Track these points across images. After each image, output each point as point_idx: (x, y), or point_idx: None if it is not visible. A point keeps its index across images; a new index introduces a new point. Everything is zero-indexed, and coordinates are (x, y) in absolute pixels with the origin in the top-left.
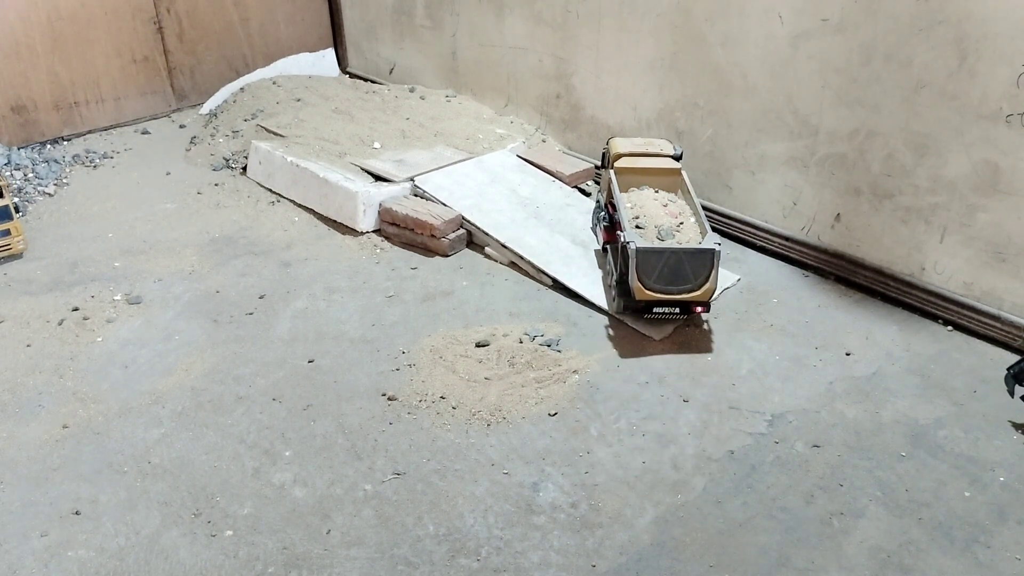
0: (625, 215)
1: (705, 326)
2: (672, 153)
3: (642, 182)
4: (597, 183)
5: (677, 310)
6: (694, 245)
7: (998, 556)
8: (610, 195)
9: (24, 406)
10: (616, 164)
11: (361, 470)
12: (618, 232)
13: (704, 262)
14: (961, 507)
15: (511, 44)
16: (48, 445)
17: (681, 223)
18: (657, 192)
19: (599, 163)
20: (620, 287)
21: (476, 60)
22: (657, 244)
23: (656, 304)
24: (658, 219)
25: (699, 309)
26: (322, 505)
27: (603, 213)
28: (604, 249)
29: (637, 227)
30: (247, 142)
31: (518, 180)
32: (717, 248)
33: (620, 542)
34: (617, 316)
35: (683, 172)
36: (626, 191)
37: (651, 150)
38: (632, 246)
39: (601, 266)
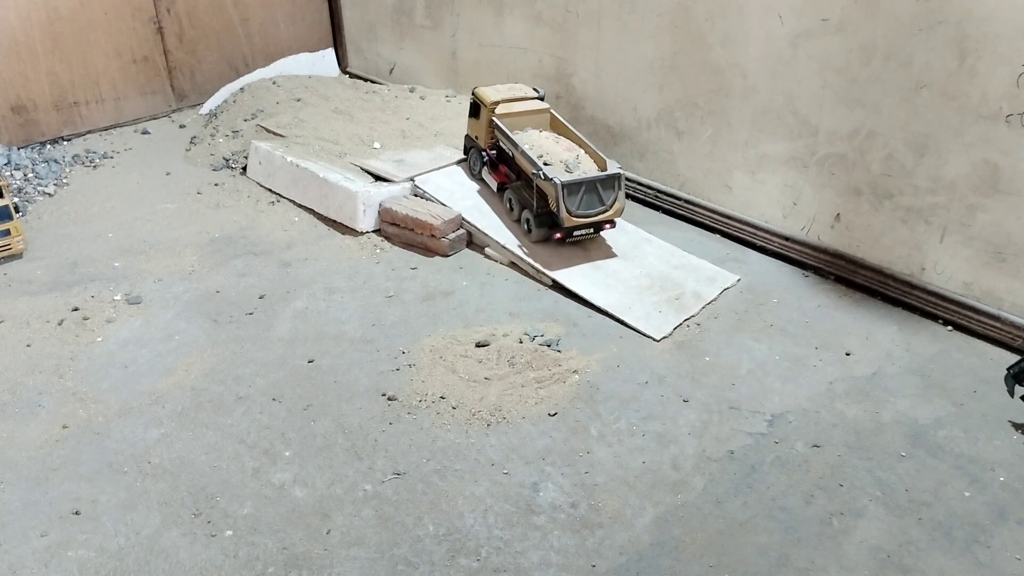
0: (532, 155)
1: (705, 326)
2: (537, 95)
3: (524, 124)
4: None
5: (592, 230)
6: (604, 173)
7: (998, 556)
8: (493, 139)
9: (24, 406)
10: (497, 111)
11: (361, 470)
12: (533, 172)
13: (613, 185)
14: (961, 507)
15: (511, 44)
16: (48, 445)
17: (577, 155)
18: (541, 131)
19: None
20: (540, 219)
21: (476, 60)
22: (575, 176)
23: (577, 228)
24: (559, 155)
25: (607, 226)
26: (322, 505)
27: (485, 157)
28: (500, 189)
29: (545, 164)
30: (247, 142)
31: None
32: (622, 171)
33: (620, 542)
34: (535, 243)
35: (552, 111)
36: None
37: (518, 95)
38: (557, 180)
39: (493, 209)
